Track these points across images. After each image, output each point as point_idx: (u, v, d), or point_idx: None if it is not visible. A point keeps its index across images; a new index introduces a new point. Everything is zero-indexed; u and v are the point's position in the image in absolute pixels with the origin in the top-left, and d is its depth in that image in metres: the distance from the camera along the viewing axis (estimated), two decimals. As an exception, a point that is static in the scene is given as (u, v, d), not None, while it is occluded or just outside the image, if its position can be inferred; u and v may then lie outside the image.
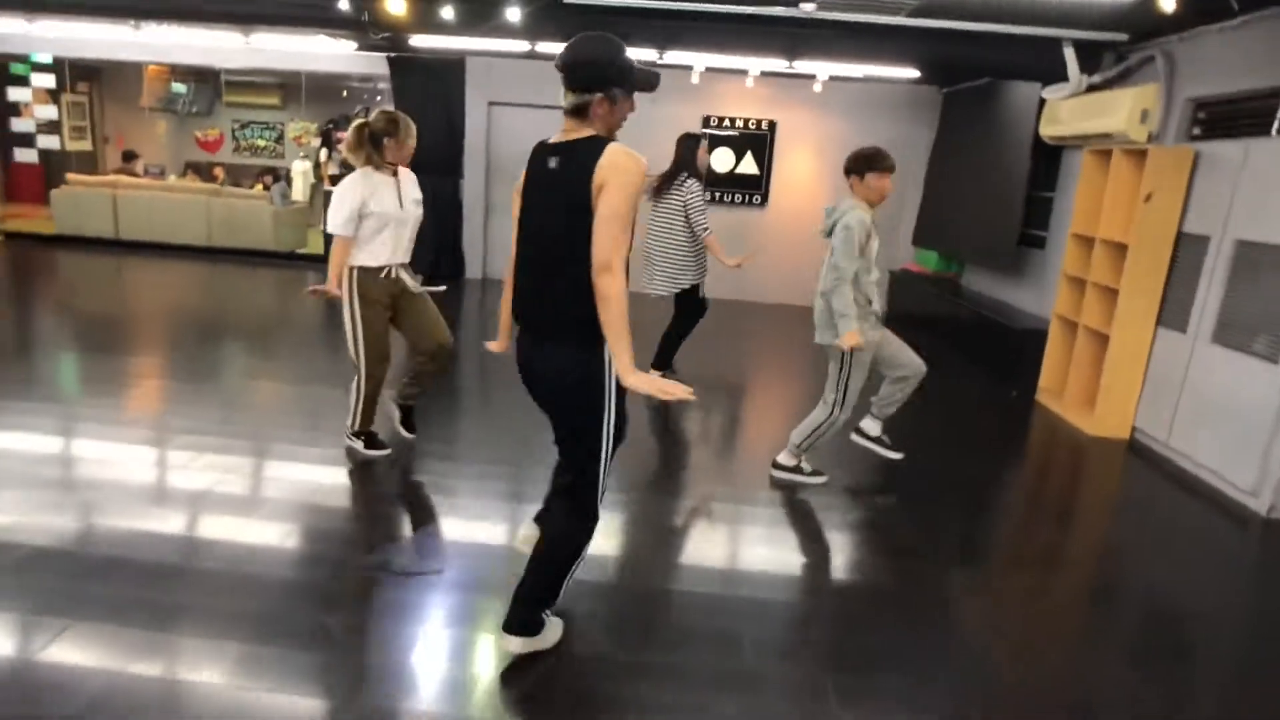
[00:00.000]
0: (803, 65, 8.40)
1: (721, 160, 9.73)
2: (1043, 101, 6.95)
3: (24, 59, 10.94)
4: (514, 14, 5.96)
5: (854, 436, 4.65)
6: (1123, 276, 5.51)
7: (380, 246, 3.89)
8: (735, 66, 8.87)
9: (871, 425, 4.60)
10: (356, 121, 3.88)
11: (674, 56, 8.35)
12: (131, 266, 9.89)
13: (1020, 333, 6.62)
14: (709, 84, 9.31)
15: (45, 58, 10.83)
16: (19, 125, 10.75)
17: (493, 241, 10.36)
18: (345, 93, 15.12)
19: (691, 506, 4.07)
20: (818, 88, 9.00)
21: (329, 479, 4.04)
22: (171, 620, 2.76)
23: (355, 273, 3.89)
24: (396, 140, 3.84)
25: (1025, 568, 3.72)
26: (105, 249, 10.69)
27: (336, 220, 3.78)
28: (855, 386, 4.11)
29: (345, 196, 3.78)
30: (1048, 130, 6.81)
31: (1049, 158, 7.22)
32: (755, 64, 8.74)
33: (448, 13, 5.80)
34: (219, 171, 13.07)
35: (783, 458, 4.40)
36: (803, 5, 5.67)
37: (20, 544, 3.19)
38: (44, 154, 11.98)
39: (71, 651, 2.56)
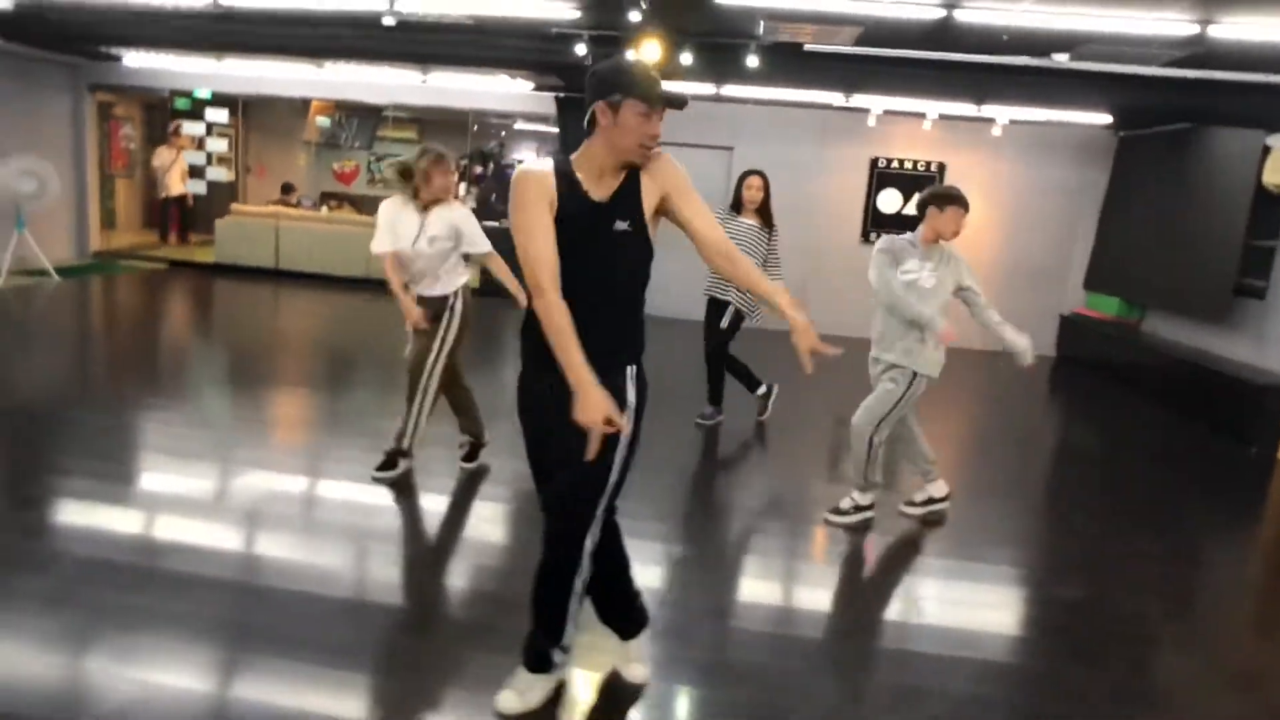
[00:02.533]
0: (988, 109, 8.36)
1: (889, 201, 9.69)
2: (1266, 149, 6.79)
3: (188, 94, 11.38)
4: (753, 60, 6.00)
5: (904, 508, 4.39)
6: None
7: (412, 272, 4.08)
8: (913, 110, 8.85)
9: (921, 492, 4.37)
10: (402, 158, 4.01)
11: (854, 100, 8.39)
12: (296, 296, 10.13)
13: (1257, 387, 6.40)
14: (883, 125, 9.30)
15: (205, 92, 11.25)
16: (190, 158, 11.12)
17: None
18: (475, 126, 15.45)
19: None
20: (997, 131, 8.93)
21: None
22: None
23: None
24: (420, 177, 3.91)
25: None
26: (265, 278, 10.97)
27: (374, 241, 4.04)
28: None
29: (377, 218, 4.04)
30: (1277, 179, 6.65)
31: (1267, 205, 7.03)
32: (935, 107, 8.71)
33: (687, 59, 5.87)
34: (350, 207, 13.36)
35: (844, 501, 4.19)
36: (1055, 57, 5.61)
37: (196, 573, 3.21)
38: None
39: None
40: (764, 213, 5.50)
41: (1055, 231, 9.68)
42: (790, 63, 6.16)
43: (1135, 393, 7.93)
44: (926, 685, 2.84)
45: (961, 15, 5.20)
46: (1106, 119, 8.42)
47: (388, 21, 6.45)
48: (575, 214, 2.23)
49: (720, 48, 6.05)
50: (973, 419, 7.24)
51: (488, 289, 10.48)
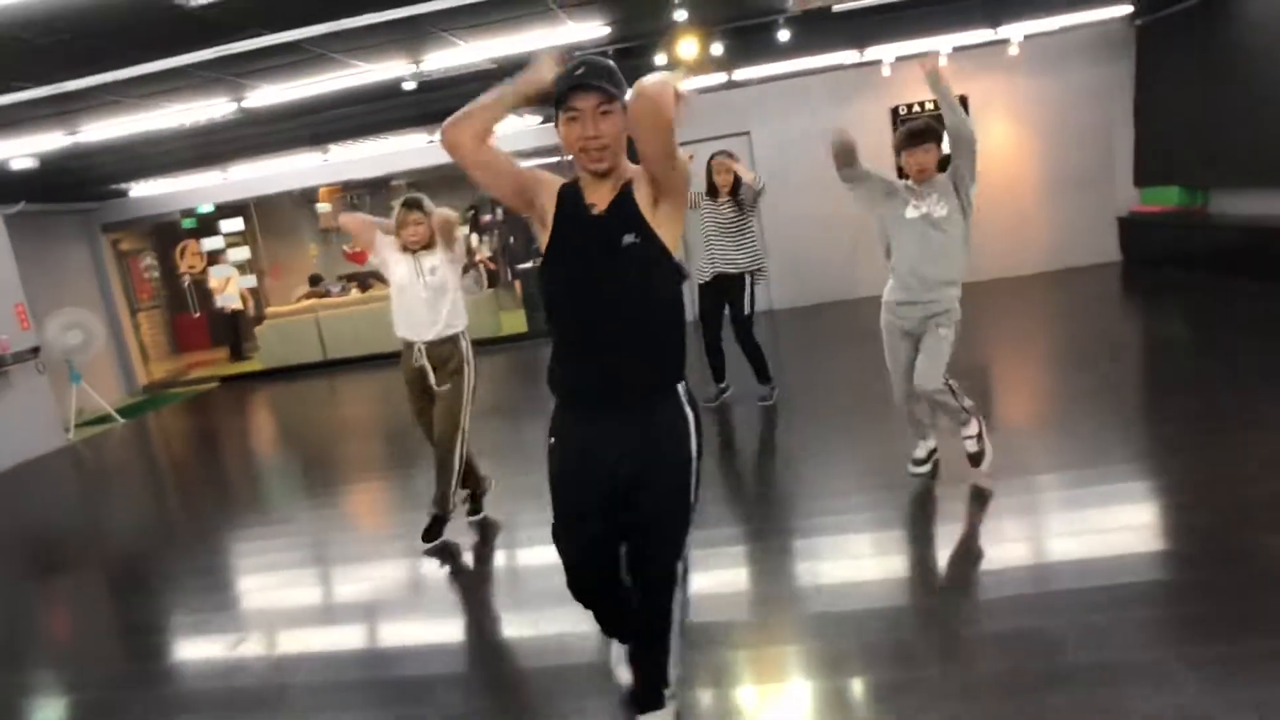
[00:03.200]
0: (1003, 30, 8.21)
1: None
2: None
3: (191, 213, 11.40)
4: (784, 34, 5.88)
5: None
6: None
7: (399, 315, 4.07)
8: (923, 50, 8.69)
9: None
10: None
11: (868, 53, 8.26)
12: (349, 382, 10.06)
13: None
14: (898, 73, 9.14)
15: (208, 206, 11.25)
16: (214, 272, 11.11)
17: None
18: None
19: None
20: (1014, 50, 8.76)
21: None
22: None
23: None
24: (397, 227, 3.97)
25: None
26: (314, 372, 10.90)
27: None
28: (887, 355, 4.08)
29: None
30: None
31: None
32: (948, 41, 8.55)
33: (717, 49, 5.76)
34: (374, 282, 13.31)
35: (966, 432, 4.00)
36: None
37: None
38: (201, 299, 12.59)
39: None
40: (736, 193, 5.38)
41: (1092, 136, 9.48)
42: (820, 28, 6.03)
43: (1218, 277, 7.73)
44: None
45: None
46: (1126, 9, 8.23)
47: (408, 85, 6.37)
48: (579, 228, 2.09)
49: (750, 30, 5.93)
50: (1056, 339, 7.07)
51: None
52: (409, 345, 4.08)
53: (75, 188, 9.38)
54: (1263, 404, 4.52)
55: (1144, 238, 9.22)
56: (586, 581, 2.34)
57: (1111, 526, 3.46)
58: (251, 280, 11.37)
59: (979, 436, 3.96)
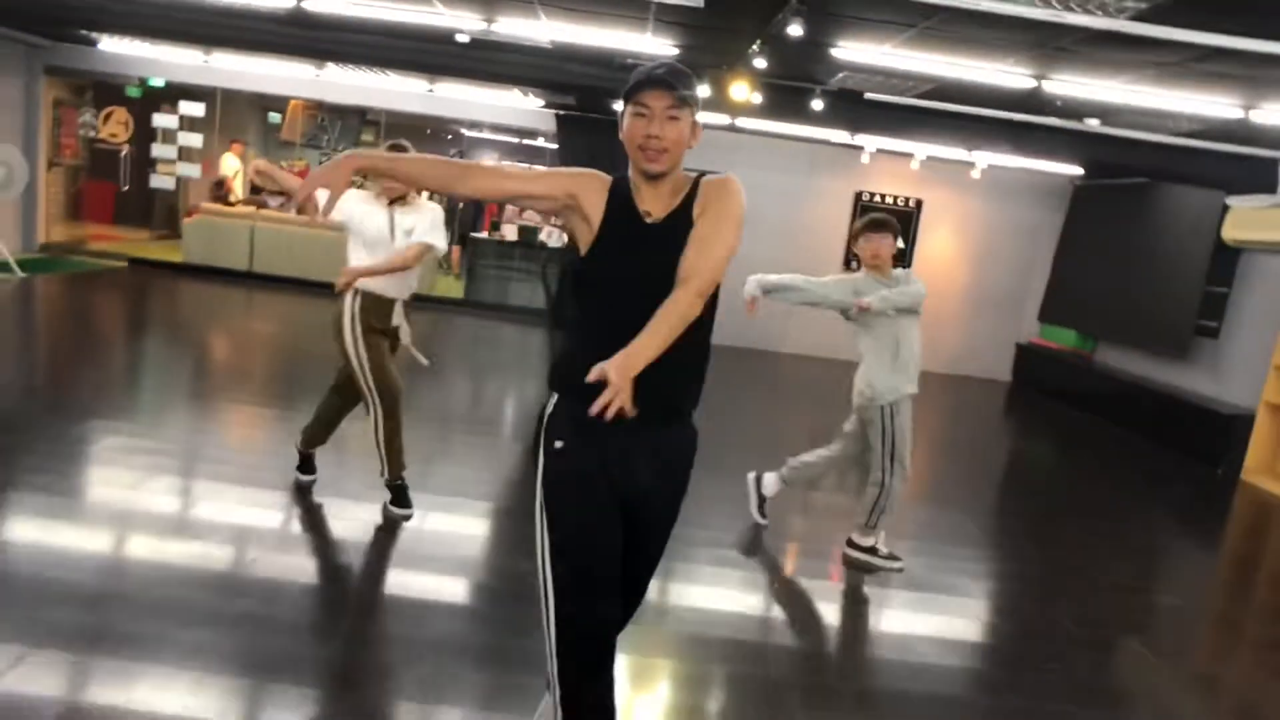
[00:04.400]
0: (977, 155, 9.17)
1: (872, 233, 10.40)
2: (1225, 208, 7.81)
3: (141, 82, 10.90)
4: (818, 104, 6.48)
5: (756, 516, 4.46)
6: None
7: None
8: (903, 150, 9.57)
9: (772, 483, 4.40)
10: None
11: (853, 139, 9.03)
12: (268, 302, 9.88)
13: (1226, 417, 7.36)
14: (873, 162, 9.98)
15: (159, 81, 10.79)
16: (158, 150, 10.63)
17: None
18: (429, 130, 15.35)
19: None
20: (976, 174, 9.77)
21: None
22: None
23: (357, 298, 3.72)
24: None
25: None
26: (232, 279, 10.58)
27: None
28: (902, 445, 3.98)
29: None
30: (1235, 234, 7.66)
31: (1222, 256, 8.06)
32: (924, 149, 9.45)
33: (758, 98, 6.28)
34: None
35: (856, 536, 4.12)
36: (1087, 121, 6.35)
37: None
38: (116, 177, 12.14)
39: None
40: None
41: (1015, 266, 10.65)
42: (850, 108, 6.69)
43: (1090, 416, 8.91)
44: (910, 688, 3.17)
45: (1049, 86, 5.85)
46: (1078, 170, 9.38)
47: (461, 38, 6.54)
48: (625, 234, 2.00)
49: (790, 90, 6.50)
50: (935, 443, 7.97)
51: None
52: (383, 300, 3.76)
53: (34, 15, 8.79)
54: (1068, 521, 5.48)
55: (1034, 366, 10.40)
56: (607, 610, 2.02)
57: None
58: (196, 170, 10.91)
59: (871, 549, 4.07)
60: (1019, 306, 10.72)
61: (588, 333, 2.04)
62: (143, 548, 3.50)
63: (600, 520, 2.01)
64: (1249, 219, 7.51)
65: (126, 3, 6.97)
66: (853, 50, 5.58)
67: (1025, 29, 4.56)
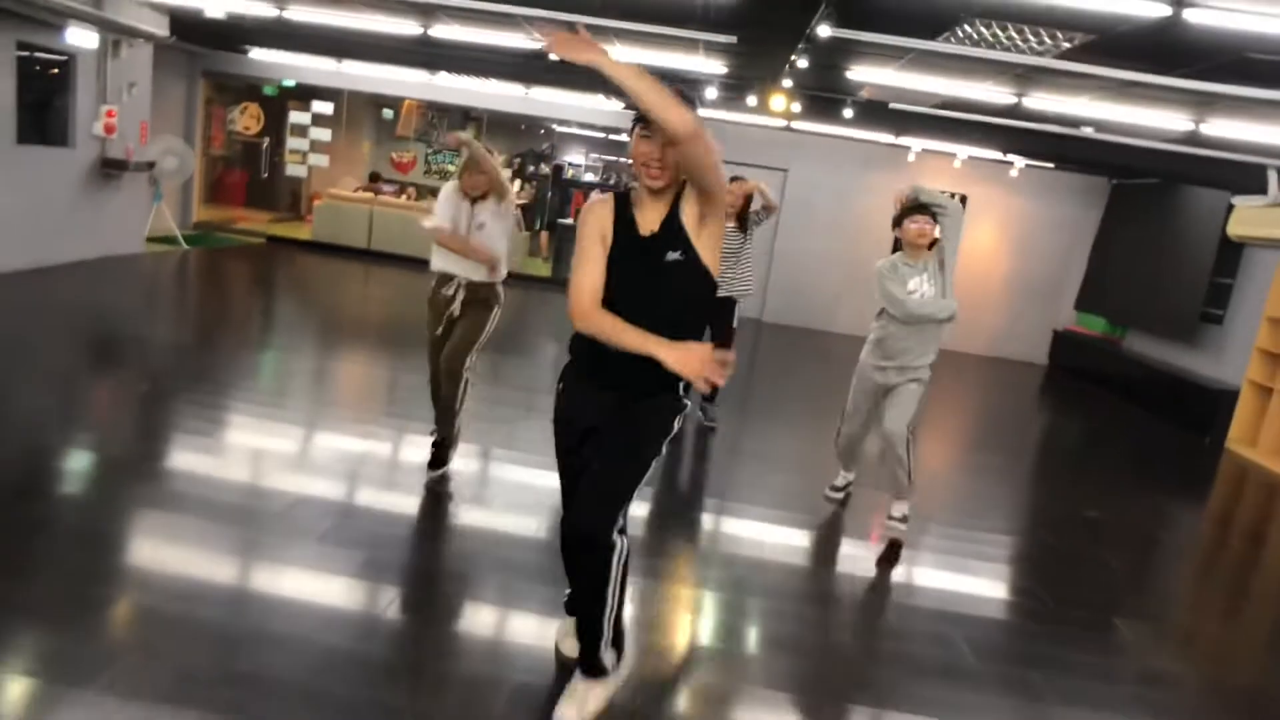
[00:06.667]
0: (1011, 155, 10.10)
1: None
2: (1230, 207, 8.59)
3: (277, 83, 12.68)
4: (848, 112, 7.63)
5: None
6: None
7: (442, 252, 4.10)
8: (947, 150, 10.55)
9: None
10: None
11: (897, 140, 10.07)
12: (383, 276, 11.50)
13: (1215, 392, 8.22)
14: (919, 160, 11.00)
15: (290, 82, 12.54)
16: (293, 143, 12.42)
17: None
18: (523, 126, 16.87)
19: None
20: (1014, 172, 10.68)
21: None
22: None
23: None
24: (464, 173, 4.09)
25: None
26: (354, 256, 12.27)
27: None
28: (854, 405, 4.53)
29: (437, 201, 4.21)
30: (1237, 230, 8.44)
31: (1227, 250, 8.83)
32: (966, 150, 10.41)
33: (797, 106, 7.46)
34: (411, 191, 14.69)
35: (896, 509, 4.33)
36: (1083, 129, 7.31)
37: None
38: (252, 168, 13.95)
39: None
40: (742, 218, 5.65)
41: (1054, 258, 11.50)
42: (873, 112, 7.83)
43: (1117, 397, 9.76)
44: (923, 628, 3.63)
45: (1029, 102, 6.85)
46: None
47: (553, 57, 7.89)
48: (628, 249, 2.35)
49: (825, 100, 7.67)
50: (973, 420, 8.97)
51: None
52: (448, 277, 4.13)
53: (218, 36, 10.56)
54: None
55: (1069, 351, 11.24)
56: (572, 517, 2.40)
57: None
58: (324, 160, 12.67)
59: (904, 519, 4.27)
60: (1057, 295, 11.56)
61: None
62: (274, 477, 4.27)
63: (568, 446, 2.54)
64: (1250, 217, 8.29)
65: (288, 25, 8.56)
66: (862, 73, 6.70)
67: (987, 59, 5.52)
